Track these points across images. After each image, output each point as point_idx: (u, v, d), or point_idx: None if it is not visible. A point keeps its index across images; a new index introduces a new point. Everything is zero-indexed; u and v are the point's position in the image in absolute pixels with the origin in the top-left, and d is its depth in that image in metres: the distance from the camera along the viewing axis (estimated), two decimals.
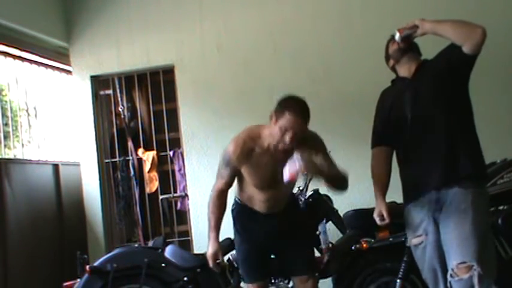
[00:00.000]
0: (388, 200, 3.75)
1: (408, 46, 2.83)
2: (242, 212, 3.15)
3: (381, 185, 2.96)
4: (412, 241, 2.88)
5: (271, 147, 2.87)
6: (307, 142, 2.88)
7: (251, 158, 2.92)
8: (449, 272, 2.64)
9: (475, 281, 2.55)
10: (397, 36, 2.83)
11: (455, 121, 2.75)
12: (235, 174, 3.01)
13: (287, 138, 2.78)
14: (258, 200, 3.07)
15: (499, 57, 4.34)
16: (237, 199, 3.18)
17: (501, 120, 4.48)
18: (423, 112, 2.77)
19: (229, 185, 3.05)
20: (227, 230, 4.25)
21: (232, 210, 3.22)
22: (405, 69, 2.89)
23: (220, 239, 3.83)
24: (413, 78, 2.84)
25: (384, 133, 2.97)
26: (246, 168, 2.95)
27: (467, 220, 2.61)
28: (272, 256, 3.27)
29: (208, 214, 3.07)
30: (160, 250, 3.78)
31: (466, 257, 2.58)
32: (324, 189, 3.86)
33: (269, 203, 3.06)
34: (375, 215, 2.96)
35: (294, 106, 2.81)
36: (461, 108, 2.79)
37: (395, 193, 3.07)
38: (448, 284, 2.65)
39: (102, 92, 5.55)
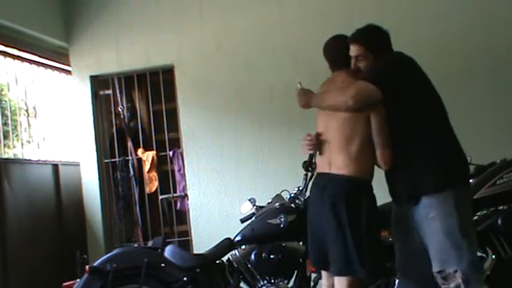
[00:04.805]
0: (385, 201, 3.75)
1: None
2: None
3: None
4: None
5: None
6: None
7: None
8: None
9: None
10: None
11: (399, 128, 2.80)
12: None
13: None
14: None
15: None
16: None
17: (500, 121, 4.47)
18: None
19: None
20: (227, 229, 4.26)
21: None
22: None
23: (220, 240, 3.86)
24: None
25: None
26: None
27: None
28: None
29: None
30: (160, 250, 3.77)
31: None
32: None
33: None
34: None
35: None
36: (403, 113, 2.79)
37: None
38: None
39: (101, 92, 5.55)
